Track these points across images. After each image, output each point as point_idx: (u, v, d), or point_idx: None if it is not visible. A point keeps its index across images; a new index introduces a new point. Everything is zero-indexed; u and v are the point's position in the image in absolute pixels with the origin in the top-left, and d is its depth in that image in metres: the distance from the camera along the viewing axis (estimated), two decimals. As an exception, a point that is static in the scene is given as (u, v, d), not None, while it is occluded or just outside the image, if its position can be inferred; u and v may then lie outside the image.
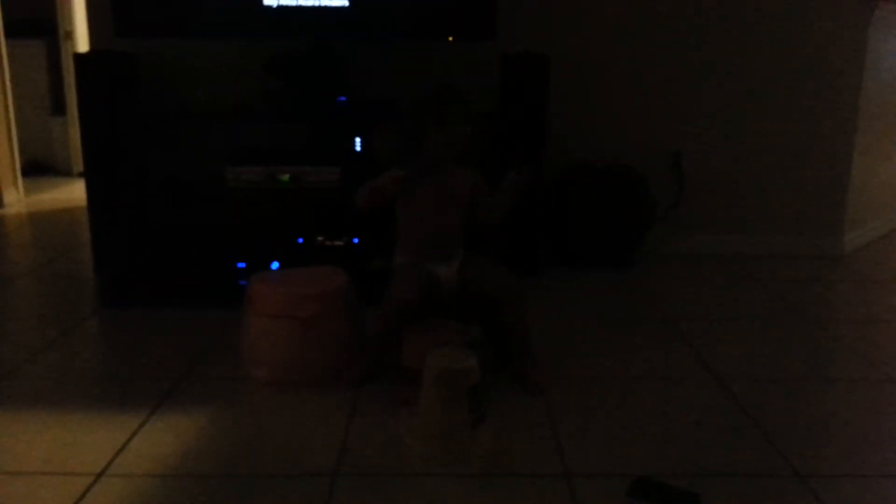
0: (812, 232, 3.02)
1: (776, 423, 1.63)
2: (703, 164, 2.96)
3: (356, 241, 2.37)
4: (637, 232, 2.81)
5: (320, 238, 2.37)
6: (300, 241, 2.37)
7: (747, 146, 2.95)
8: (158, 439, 1.54)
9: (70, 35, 4.91)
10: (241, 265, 2.33)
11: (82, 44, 4.85)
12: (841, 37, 2.85)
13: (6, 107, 3.91)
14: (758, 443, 1.55)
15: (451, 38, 2.49)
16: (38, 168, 4.85)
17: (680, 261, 2.90)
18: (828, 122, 2.93)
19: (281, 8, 2.40)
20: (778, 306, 2.43)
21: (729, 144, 2.95)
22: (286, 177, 2.38)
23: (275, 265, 2.33)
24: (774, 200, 2.99)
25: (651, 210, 2.84)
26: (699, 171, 2.96)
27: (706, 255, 2.97)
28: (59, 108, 5.04)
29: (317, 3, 2.40)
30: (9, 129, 3.94)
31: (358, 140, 2.57)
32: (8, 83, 3.91)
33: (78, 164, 4.76)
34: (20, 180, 4.06)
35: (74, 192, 4.28)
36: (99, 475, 1.40)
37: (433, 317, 1.81)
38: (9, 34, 3.91)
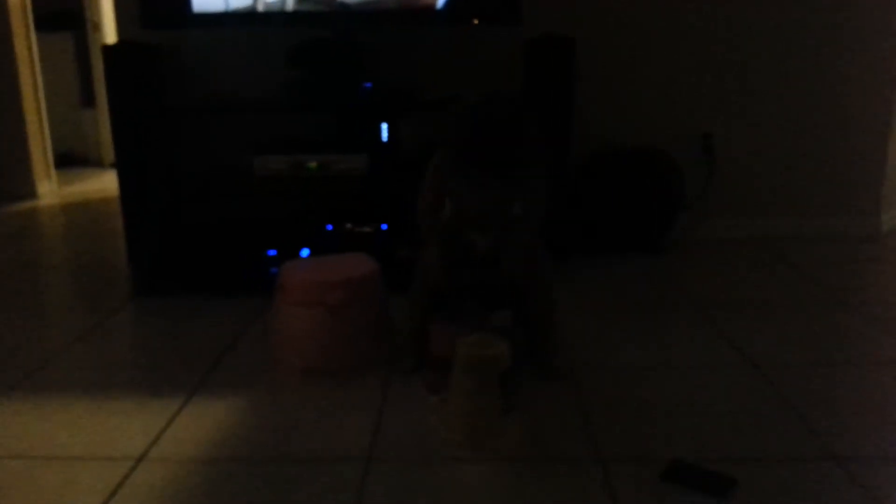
0: (847, 212, 2.97)
1: (812, 407, 1.61)
2: (735, 145, 2.91)
3: (384, 227, 2.37)
4: (667, 216, 2.78)
5: (349, 225, 2.38)
6: (329, 228, 2.38)
7: (780, 126, 2.90)
8: (195, 425, 1.56)
9: (98, 27, 4.96)
10: (272, 253, 2.35)
11: (110, 35, 4.89)
12: (877, 13, 2.78)
13: (38, 100, 3.96)
14: (794, 426, 1.53)
15: (475, 21, 2.47)
16: (69, 160, 4.92)
17: (711, 245, 2.87)
18: (863, 99, 2.86)
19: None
20: (812, 289, 2.39)
21: (761, 125, 2.90)
22: (313, 165, 2.39)
23: (305, 252, 2.35)
24: (808, 181, 2.94)
25: (681, 193, 2.80)
26: (730, 153, 2.92)
27: (738, 238, 2.93)
28: (88, 99, 5.09)
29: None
30: (41, 122, 3.99)
31: (384, 126, 2.57)
32: (39, 76, 3.96)
33: (109, 155, 4.81)
34: (53, 172, 4.12)
35: (106, 183, 4.34)
36: (139, 460, 1.43)
37: (464, 300, 1.80)
38: (38, 27, 3.96)
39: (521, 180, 1.68)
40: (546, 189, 1.74)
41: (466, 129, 1.58)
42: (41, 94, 3.98)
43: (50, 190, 4.06)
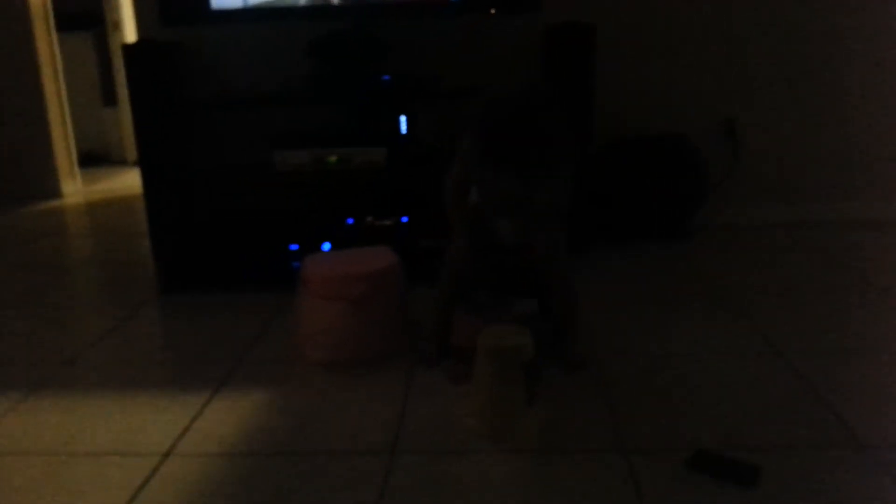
0: (874, 197, 2.92)
1: (838, 395, 1.59)
2: (758, 130, 2.87)
3: (405, 220, 2.37)
4: (690, 203, 2.76)
5: (370, 218, 2.38)
6: (350, 221, 2.38)
7: (804, 110, 2.85)
8: (221, 420, 1.58)
9: (118, 25, 5.01)
10: (294, 247, 2.36)
11: (130, 34, 4.93)
12: (901, -9, 2.73)
13: (60, 99, 4.01)
14: (819, 414, 1.52)
15: (492, 11, 2.45)
16: (93, 158, 4.98)
17: (735, 232, 2.84)
18: (889, 82, 2.81)
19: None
20: (841, 275, 2.36)
21: (784, 110, 2.85)
22: (333, 158, 2.40)
23: (326, 246, 2.36)
24: (834, 165, 2.89)
25: (704, 180, 2.77)
26: (754, 139, 2.88)
27: (762, 225, 2.90)
28: (110, 98, 5.15)
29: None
30: (64, 121, 4.04)
31: (403, 119, 2.57)
32: (61, 76, 4.01)
33: (132, 153, 4.87)
34: (77, 171, 4.17)
35: (129, 181, 4.39)
36: (165, 455, 1.45)
37: (488, 288, 1.80)
38: (58, 28, 4.00)
39: (549, 170, 1.66)
40: (572, 179, 1.73)
41: (495, 122, 1.53)
42: (63, 94, 4.03)
43: (74, 189, 4.11)
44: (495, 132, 1.52)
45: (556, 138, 1.52)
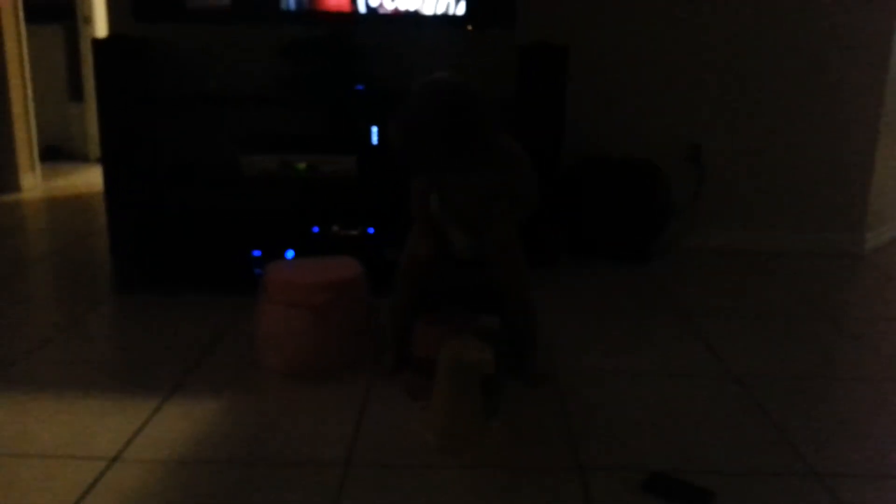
0: (833, 229, 2.98)
1: (793, 421, 1.61)
2: (723, 158, 2.92)
3: (371, 230, 2.36)
4: (654, 226, 2.79)
5: (335, 227, 2.36)
6: (315, 230, 2.36)
7: (768, 141, 2.91)
8: (172, 425, 1.54)
9: (89, 20, 4.92)
10: (257, 253, 2.33)
11: (101, 29, 4.86)
12: (866, 30, 2.81)
13: (25, 92, 3.93)
14: (774, 440, 1.53)
15: (469, 27, 2.47)
16: (55, 153, 4.88)
17: (697, 256, 2.88)
18: (851, 117, 2.88)
19: (299, -5, 2.39)
20: (796, 304, 2.40)
21: (749, 139, 2.91)
22: (302, 165, 2.38)
23: (290, 254, 2.33)
24: (795, 197, 2.96)
25: (668, 204, 2.81)
26: (718, 166, 2.93)
27: (724, 250, 2.94)
28: (77, 93, 5.06)
29: (335, -9, 2.39)
30: (27, 114, 3.96)
31: (374, 129, 2.56)
32: (27, 68, 3.93)
33: (95, 150, 4.78)
34: (38, 165, 4.08)
35: (91, 178, 4.30)
36: (113, 460, 1.41)
37: (448, 304, 1.80)
38: (28, 19, 3.93)
39: (504, 178, 1.67)
40: (534, 187, 1.74)
41: (403, 137, 1.53)
42: (29, 87, 3.95)
43: (34, 183, 4.02)
44: (407, 147, 1.53)
45: (474, 128, 1.51)
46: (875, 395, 1.75)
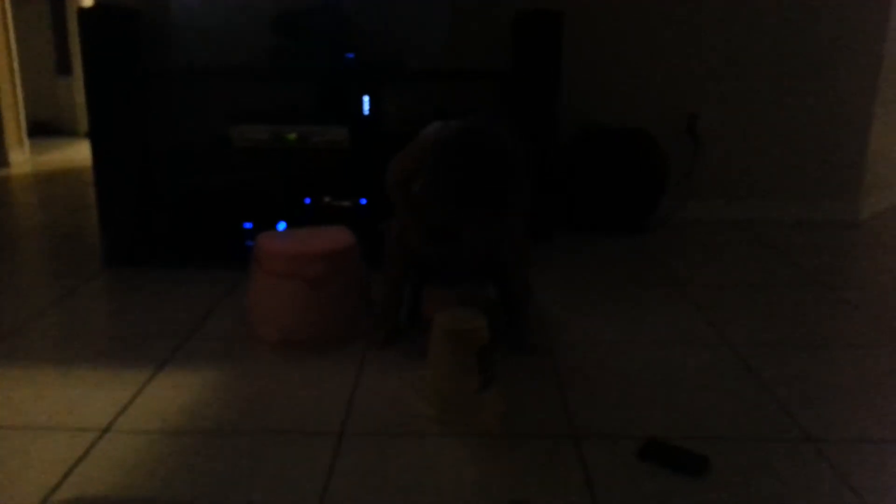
0: (829, 198, 2.97)
1: (787, 388, 1.61)
2: (720, 128, 2.90)
3: (364, 201, 2.34)
4: (650, 197, 2.77)
5: (327, 198, 2.34)
6: (307, 201, 2.34)
7: (765, 111, 2.89)
8: (164, 396, 1.53)
9: (75, -7, 4.85)
10: (248, 225, 2.31)
11: (87, 0, 4.78)
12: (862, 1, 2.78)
13: (11, 66, 3.87)
14: (768, 406, 1.53)
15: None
16: (43, 128, 4.82)
17: (694, 226, 2.87)
18: (847, 86, 2.86)
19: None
20: (792, 272, 2.39)
21: (746, 108, 2.89)
22: (293, 136, 2.35)
23: (282, 225, 2.31)
24: (791, 166, 2.94)
25: (665, 174, 2.79)
26: (715, 136, 2.91)
27: (720, 220, 2.93)
28: (64, 67, 4.99)
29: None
30: (14, 90, 3.90)
31: (366, 99, 2.52)
32: (13, 42, 3.86)
33: (84, 125, 4.72)
34: (26, 140, 4.04)
35: (80, 153, 4.26)
36: (104, 431, 1.40)
37: (447, 270, 1.78)
38: (13, -9, 3.86)
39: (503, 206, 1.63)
40: (526, 196, 1.70)
41: (446, 170, 1.44)
42: (15, 61, 3.89)
43: (22, 158, 3.97)
44: (445, 181, 1.44)
45: (511, 180, 1.44)
46: (869, 362, 1.75)
